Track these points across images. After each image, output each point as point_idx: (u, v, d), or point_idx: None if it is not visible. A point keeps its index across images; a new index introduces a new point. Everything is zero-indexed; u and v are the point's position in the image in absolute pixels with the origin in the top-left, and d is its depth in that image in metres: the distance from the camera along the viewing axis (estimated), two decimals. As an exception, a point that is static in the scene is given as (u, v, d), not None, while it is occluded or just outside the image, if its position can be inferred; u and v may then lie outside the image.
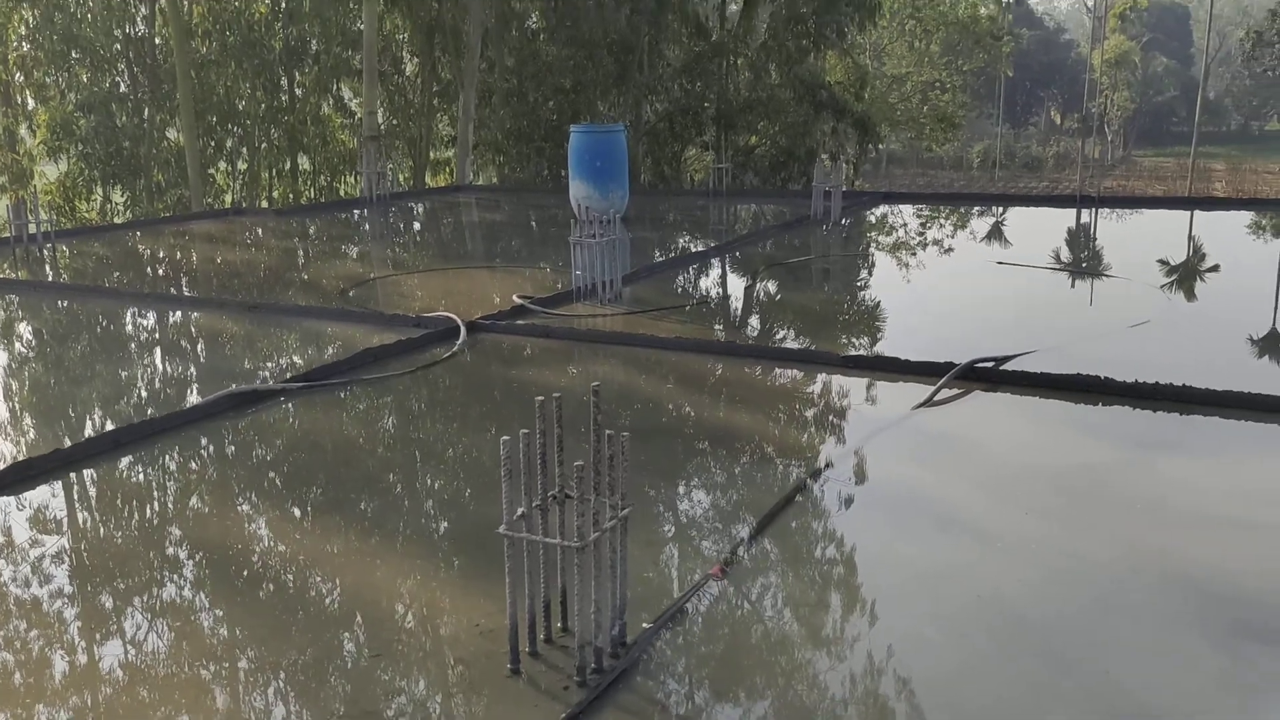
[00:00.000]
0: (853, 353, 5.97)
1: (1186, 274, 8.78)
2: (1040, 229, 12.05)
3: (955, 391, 5.18)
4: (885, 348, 6.47)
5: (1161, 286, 7.93)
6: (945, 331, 6.91)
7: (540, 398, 2.77)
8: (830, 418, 5.12)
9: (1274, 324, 6.90)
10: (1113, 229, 11.95)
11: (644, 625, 2.92)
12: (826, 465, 4.22)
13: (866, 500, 3.94)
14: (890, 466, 4.31)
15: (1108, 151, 70.31)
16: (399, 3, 21.08)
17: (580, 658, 2.70)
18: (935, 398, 5.07)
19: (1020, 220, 12.68)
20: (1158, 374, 4.98)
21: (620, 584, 2.82)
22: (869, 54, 36.81)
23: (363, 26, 18.66)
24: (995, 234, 11.70)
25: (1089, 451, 4.46)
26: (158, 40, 20.41)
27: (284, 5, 20.82)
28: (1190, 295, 7.97)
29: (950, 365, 5.32)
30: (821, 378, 5.60)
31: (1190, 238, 11.18)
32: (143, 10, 20.50)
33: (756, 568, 3.36)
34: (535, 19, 22.33)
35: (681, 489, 4.11)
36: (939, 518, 3.79)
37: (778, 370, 5.81)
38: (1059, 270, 8.85)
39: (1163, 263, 9.08)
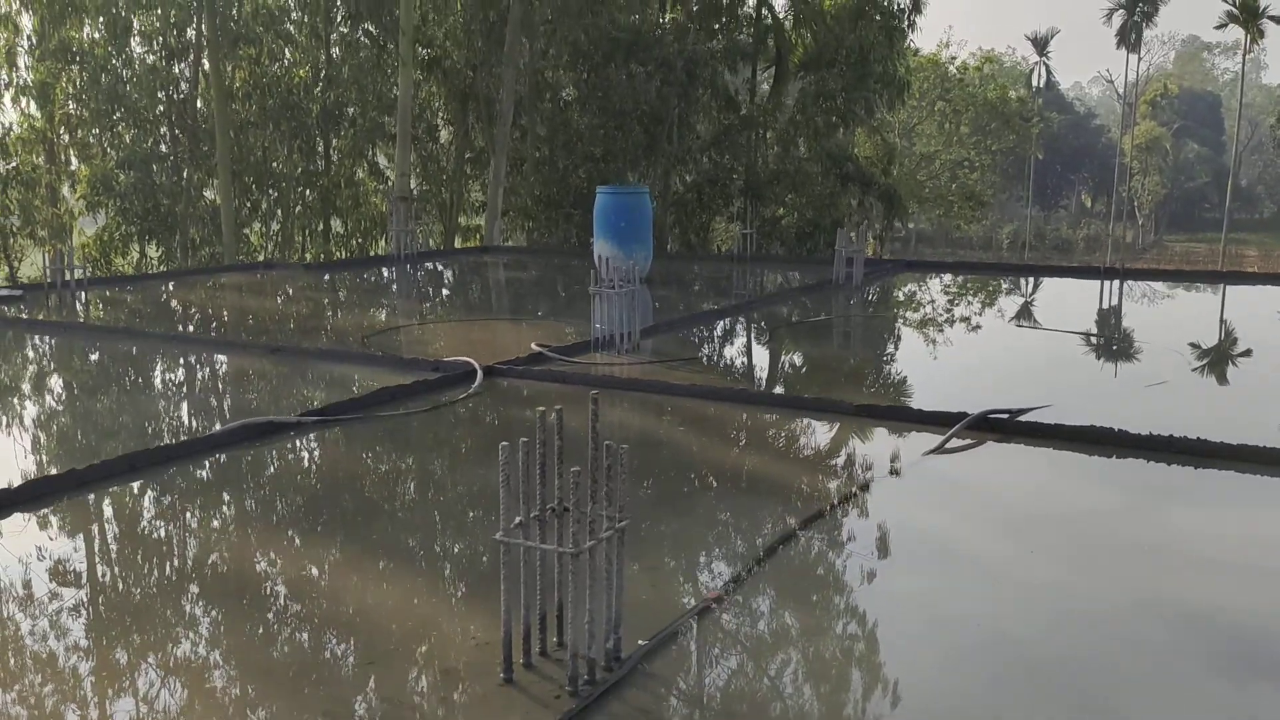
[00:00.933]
0: (866, 403, 5.96)
1: (1204, 342, 8.73)
2: (1066, 300, 12.04)
3: (968, 441, 5.16)
4: (900, 399, 6.47)
5: (1179, 351, 7.89)
6: (961, 388, 6.90)
7: (541, 408, 2.79)
8: (840, 462, 5.10)
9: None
10: (1137, 301, 11.92)
11: (641, 642, 2.90)
12: (832, 505, 4.20)
13: (870, 538, 3.91)
14: (897, 508, 4.28)
15: (1138, 235, 70.38)
16: (434, 71, 21.61)
17: (572, 667, 2.69)
18: (947, 446, 5.05)
19: (1045, 291, 12.67)
20: (1173, 430, 4.94)
21: (615, 596, 2.81)
22: (898, 132, 37.24)
23: (398, 93, 19.10)
24: (1017, 301, 11.71)
25: (1099, 499, 4.42)
26: (199, 102, 20.98)
27: (323, 71, 21.37)
28: (1209, 361, 7.92)
29: (963, 415, 5.30)
30: (834, 425, 5.59)
31: (1217, 311, 11.13)
32: (185, 73, 21.12)
33: (757, 597, 3.34)
34: (568, 90, 22.80)
35: (687, 521, 4.10)
36: (943, 557, 3.76)
37: (791, 417, 5.81)
38: (1077, 334, 8.82)
39: (1182, 333, 9.05)
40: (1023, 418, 5.41)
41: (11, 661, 2.90)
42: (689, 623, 3.06)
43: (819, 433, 5.56)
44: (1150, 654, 2.92)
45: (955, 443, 5.11)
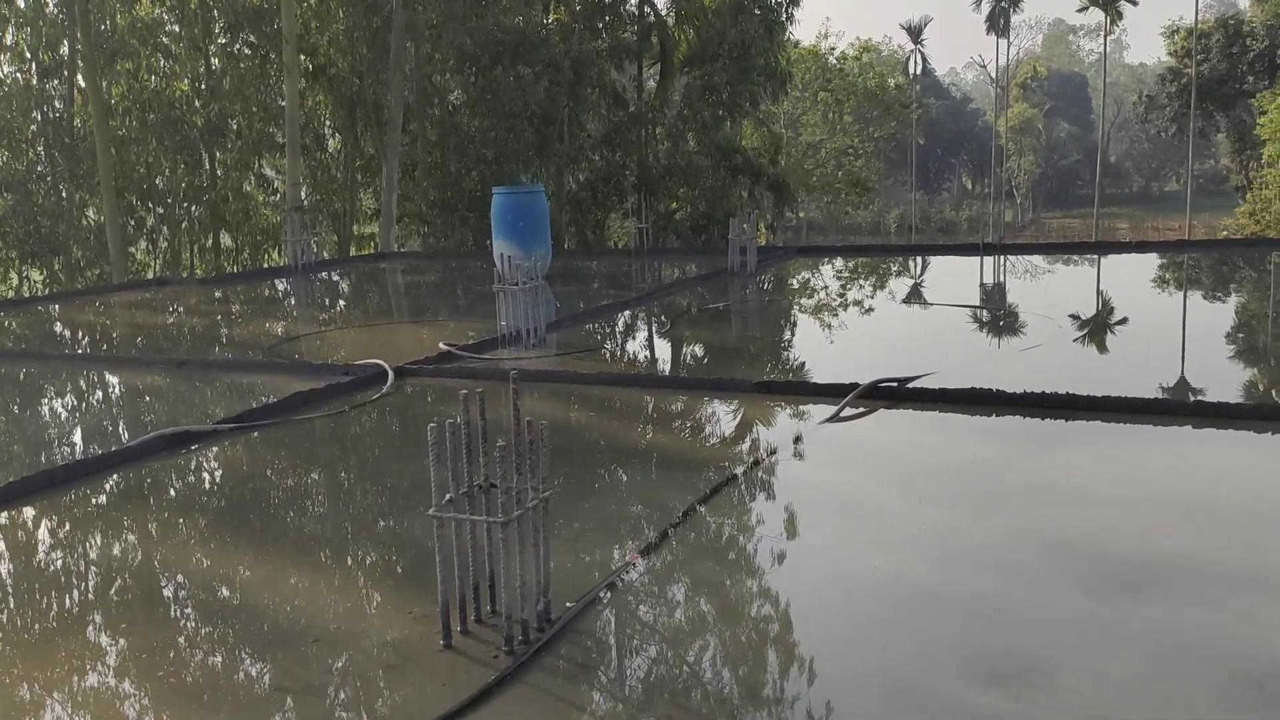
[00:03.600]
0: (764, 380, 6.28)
1: (1076, 308, 9.32)
2: (947, 276, 12.61)
3: (861, 410, 5.50)
4: (798, 374, 6.81)
5: (1049, 316, 8.42)
6: (854, 363, 7.29)
7: (464, 391, 3.00)
8: (743, 435, 5.40)
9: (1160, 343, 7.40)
10: (1015, 275, 12.57)
11: (568, 604, 3.13)
12: (737, 473, 4.48)
13: (775, 498, 4.22)
14: (798, 473, 4.59)
15: (1018, 214, 72.95)
16: (320, 79, 21.42)
17: (507, 629, 2.91)
18: (842, 415, 5.39)
19: (930, 269, 13.25)
20: (1046, 388, 5.37)
21: (544, 562, 3.04)
22: (783, 123, 38.03)
23: (285, 102, 18.92)
24: (904, 280, 12.24)
25: (981, 452, 4.81)
26: (76, 121, 20.43)
27: (204, 84, 21.01)
28: (1080, 325, 8.47)
29: (855, 385, 5.65)
30: (735, 402, 5.90)
31: (1087, 280, 11.81)
32: (60, 90, 20.54)
33: (672, 558, 3.60)
34: (457, 93, 22.82)
35: (604, 497, 4.34)
36: (843, 511, 4.08)
37: (694, 398, 6.09)
38: (958, 307, 9.32)
39: (1055, 301, 9.63)
40: (911, 385, 5.79)
41: (-39, 667, 3.00)
42: (613, 582, 3.30)
43: (722, 410, 5.85)
44: (1027, 578, 3.27)
45: (849, 411, 5.46)
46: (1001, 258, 13.62)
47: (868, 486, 4.34)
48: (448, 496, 2.99)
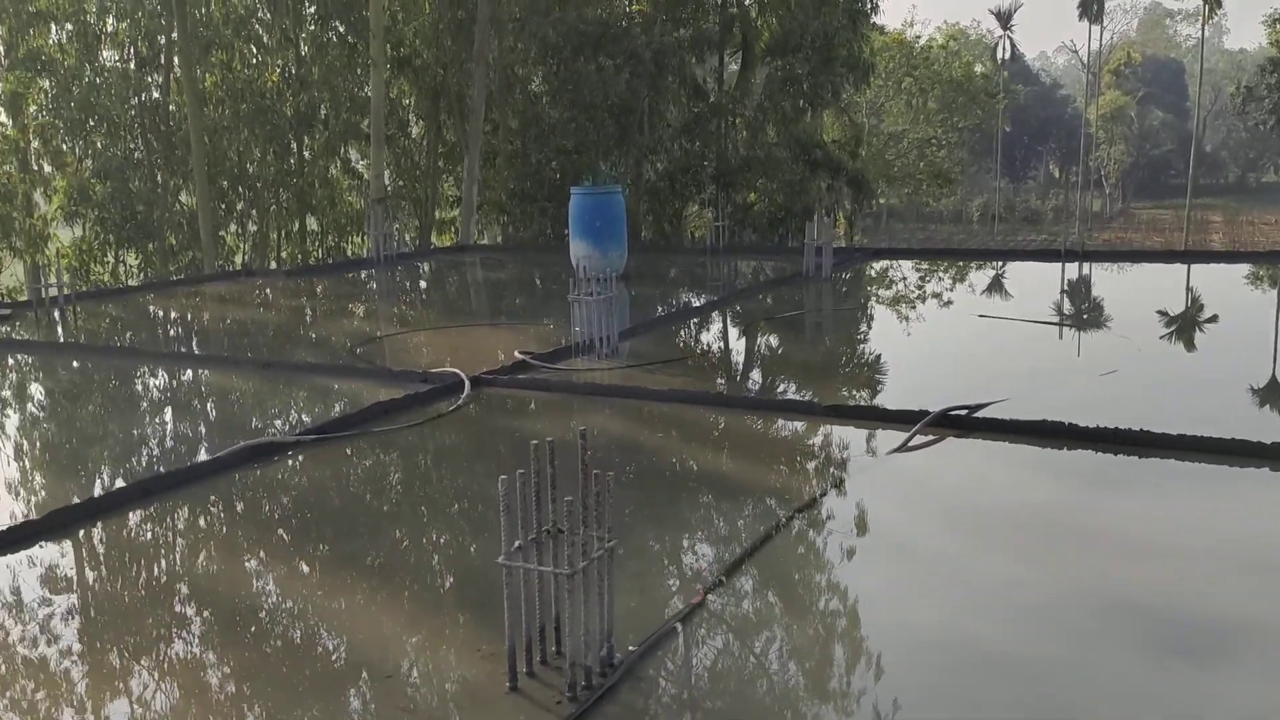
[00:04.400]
0: (835, 402, 6.30)
1: (1158, 326, 9.14)
2: (1026, 283, 12.43)
3: (930, 438, 5.51)
4: (868, 395, 6.83)
5: (1130, 337, 8.28)
6: (926, 381, 7.26)
7: (535, 442, 3.11)
8: (810, 463, 5.45)
9: (1246, 371, 7.24)
10: (1097, 282, 12.34)
11: (630, 648, 3.23)
12: (803, 506, 4.53)
13: (839, 537, 4.26)
14: (863, 507, 4.63)
15: (1106, 204, 71.15)
16: (405, 69, 21.76)
17: (571, 675, 3.02)
18: (910, 444, 5.40)
19: (1008, 274, 13.07)
20: (1123, 419, 5.32)
21: (607, 609, 3.14)
22: (865, 112, 37.58)
23: (370, 93, 19.29)
24: (980, 289, 12.10)
25: (1049, 490, 4.79)
26: (172, 107, 21.06)
27: (294, 72, 21.50)
28: (1161, 346, 8.31)
29: (925, 413, 5.65)
30: (804, 426, 5.93)
31: (1171, 294, 11.55)
32: (158, 79, 21.20)
33: (736, 596, 3.68)
34: (538, 82, 23.00)
35: (668, 526, 4.43)
36: (904, 552, 4.11)
37: (762, 419, 6.14)
38: (1036, 323, 9.20)
39: (1136, 318, 9.46)
40: (981, 413, 5.77)
41: (53, 694, 3.20)
42: (674, 626, 3.39)
43: (790, 434, 5.90)
44: (1087, 640, 3.28)
45: (918, 440, 5.47)
46: (1082, 265, 13.37)
47: (931, 527, 4.36)
48: (516, 544, 3.10)
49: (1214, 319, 9.78)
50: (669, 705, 2.98)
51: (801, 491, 4.85)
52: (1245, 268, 13.15)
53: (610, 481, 3.07)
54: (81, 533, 4.50)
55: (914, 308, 10.88)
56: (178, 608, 3.79)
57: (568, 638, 3.04)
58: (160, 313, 11.75)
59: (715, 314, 10.12)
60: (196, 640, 3.52)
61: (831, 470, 5.25)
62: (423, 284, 14.21)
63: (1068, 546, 4.05)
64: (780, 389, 7.25)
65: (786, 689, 3.09)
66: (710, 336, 9.29)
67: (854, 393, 7.08)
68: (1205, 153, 75.24)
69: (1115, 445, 5.24)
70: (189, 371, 8.17)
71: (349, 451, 5.66)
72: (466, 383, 6.77)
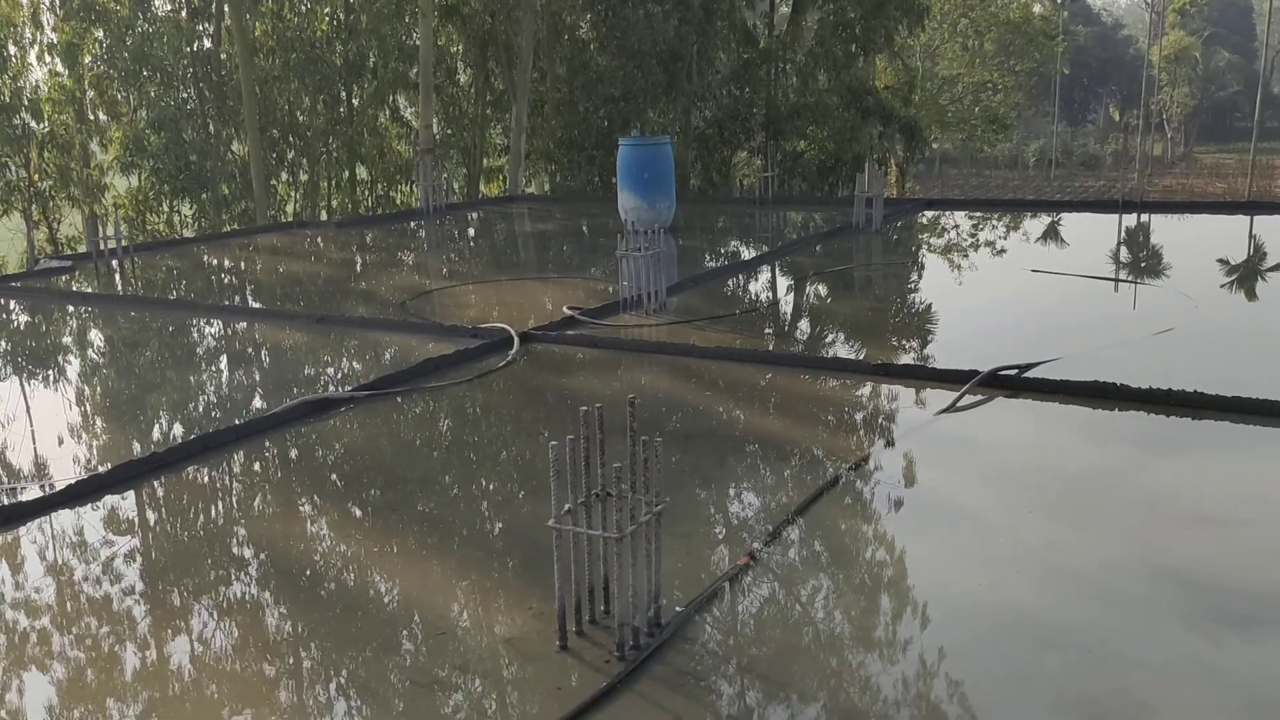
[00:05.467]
0: (884, 360, 6.28)
1: (1217, 281, 8.96)
2: (1081, 234, 12.22)
3: (979, 398, 5.49)
4: (917, 352, 6.79)
5: (1188, 293, 8.13)
6: (976, 338, 7.21)
7: (584, 408, 3.15)
8: (858, 423, 5.45)
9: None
10: (1155, 234, 12.10)
11: (678, 609, 3.29)
12: (851, 466, 4.55)
13: (885, 498, 4.28)
14: (911, 468, 4.64)
15: (1168, 148, 69.34)
16: (453, 17, 21.67)
17: (620, 636, 3.09)
18: (958, 404, 5.38)
19: (1062, 226, 12.85)
20: (1177, 380, 5.25)
21: (655, 571, 3.20)
22: (919, 55, 36.80)
23: (418, 41, 19.25)
24: (1034, 240, 11.91)
25: (1099, 455, 4.76)
26: (223, 57, 21.17)
27: (343, 21, 21.48)
28: (1220, 302, 8.15)
29: (974, 373, 5.62)
30: (851, 384, 5.93)
31: (1232, 246, 11.30)
32: (209, 29, 21.30)
33: (782, 557, 3.72)
34: (585, 30, 22.80)
35: (715, 487, 4.47)
36: (951, 514, 4.12)
37: (810, 377, 6.14)
38: (1089, 278, 9.06)
39: (1195, 272, 9.28)
40: (1031, 373, 5.73)
41: (120, 635, 3.33)
42: (721, 587, 3.44)
43: (838, 393, 5.90)
44: (1134, 608, 3.28)
45: (967, 400, 5.45)
46: (1140, 215, 13.10)
47: (979, 490, 4.37)
48: (566, 507, 3.16)
49: (1274, 272, 9.57)
50: (716, 665, 3.03)
51: (848, 451, 4.86)
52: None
53: (658, 447, 3.11)
54: (146, 486, 4.64)
55: (965, 261, 10.75)
56: (237, 555, 3.91)
57: (616, 599, 3.10)
58: (215, 263, 11.93)
59: (764, 267, 10.08)
60: (254, 586, 3.65)
61: (879, 430, 5.25)
62: (471, 234, 14.27)
63: (1116, 511, 4.04)
64: (828, 346, 7.24)
65: (831, 648, 3.14)
66: (758, 291, 9.26)
67: (903, 348, 7.05)
68: (1273, 94, 72.79)
69: (1169, 407, 5.18)
70: (244, 324, 8.32)
71: (403, 405, 5.76)
72: (515, 338, 6.84)
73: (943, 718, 2.75)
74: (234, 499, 4.59)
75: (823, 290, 9.08)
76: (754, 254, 11.16)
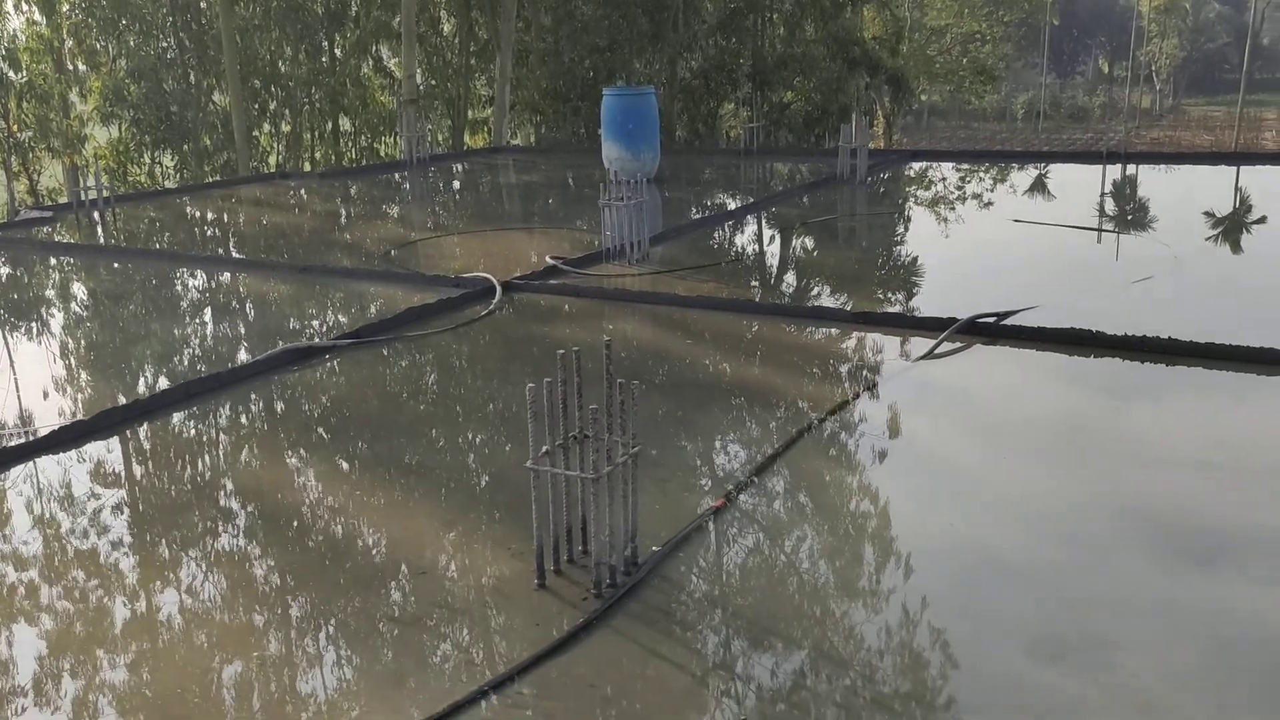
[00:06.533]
0: (865, 308, 6.32)
1: (1198, 232, 9.01)
2: (1066, 186, 12.23)
3: (958, 345, 5.54)
4: (899, 301, 6.84)
5: (1168, 244, 8.18)
6: (957, 286, 7.25)
7: (561, 351, 3.19)
8: (836, 369, 5.50)
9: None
10: (1139, 185, 12.13)
11: (653, 549, 3.35)
12: (828, 412, 4.61)
13: (861, 443, 4.34)
14: (888, 413, 4.69)
15: (1156, 100, 69.10)
16: (436, -36, 21.40)
17: (596, 574, 3.15)
18: (937, 350, 5.44)
19: (1049, 177, 12.85)
20: (1153, 328, 5.31)
21: (632, 511, 3.25)
22: (907, 5, 36.50)
23: (401, -10, 19.01)
24: (1020, 192, 11.93)
25: (1073, 400, 4.83)
26: (203, 4, 20.89)
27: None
28: (1200, 252, 8.20)
29: (953, 320, 5.67)
30: (832, 332, 5.98)
31: (1216, 198, 11.34)
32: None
33: (758, 500, 3.78)
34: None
35: (693, 433, 4.53)
36: (926, 459, 4.19)
37: (791, 325, 6.18)
38: (1072, 228, 9.10)
39: (1176, 223, 9.33)
40: (1009, 320, 5.78)
41: (106, 583, 3.38)
42: (697, 528, 3.50)
43: (818, 340, 5.94)
44: (1103, 548, 3.36)
45: (946, 346, 5.50)
46: (1125, 167, 13.12)
47: (955, 435, 4.43)
48: (544, 449, 3.20)
49: (1258, 224, 9.62)
50: (690, 603, 3.10)
51: (827, 397, 4.91)
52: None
53: (635, 390, 3.15)
54: (129, 432, 4.67)
55: (949, 212, 10.77)
56: (222, 503, 3.95)
57: (593, 539, 3.16)
58: (197, 214, 11.87)
59: (748, 218, 10.09)
60: (241, 534, 3.69)
61: (858, 376, 5.30)
62: (456, 186, 14.21)
63: (1090, 455, 4.11)
64: (810, 295, 7.27)
65: (803, 587, 3.20)
66: (742, 241, 9.28)
67: (886, 297, 7.09)
68: (1262, 46, 72.57)
69: (1143, 354, 5.25)
70: (227, 274, 8.30)
71: (386, 354, 5.78)
72: (498, 287, 6.85)
73: (911, 652, 2.82)
74: (218, 446, 4.63)
75: (806, 240, 9.10)
76: (738, 205, 11.15)
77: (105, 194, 10.96)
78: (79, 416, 4.80)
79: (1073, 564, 3.25)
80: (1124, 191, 11.68)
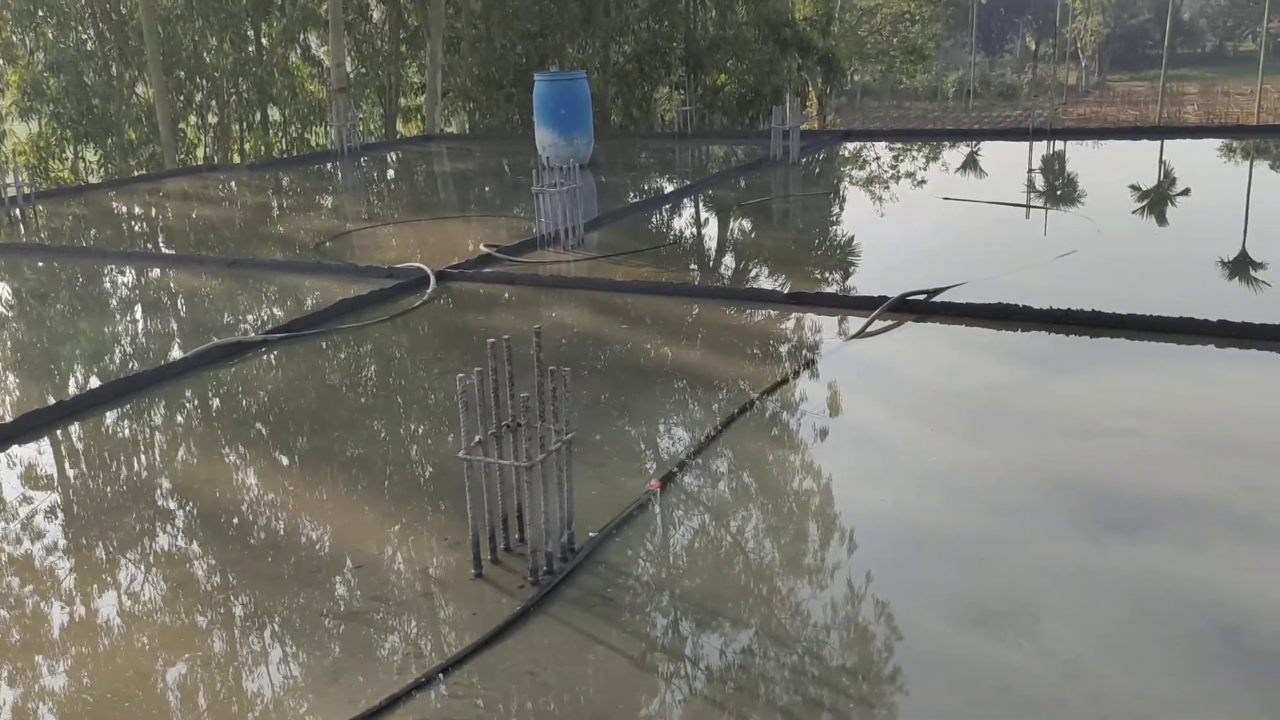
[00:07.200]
0: (800, 289, 6.39)
1: (1122, 205, 9.22)
2: (996, 163, 12.43)
3: (889, 323, 5.62)
4: (832, 281, 6.92)
5: (1092, 218, 8.36)
6: (890, 265, 7.35)
7: (491, 340, 3.18)
8: (770, 350, 5.55)
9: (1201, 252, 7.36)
10: (1066, 161, 12.36)
11: (591, 534, 3.37)
12: (762, 393, 4.65)
13: (796, 422, 4.39)
14: (820, 393, 4.75)
15: (1082, 77, 70.31)
16: (363, -50, 21.11)
17: (533, 561, 3.16)
18: (870, 329, 5.51)
19: (979, 155, 13.05)
20: (1078, 301, 5.44)
21: (568, 498, 3.26)
22: (839, -14, 36.71)
23: (327, -23, 18.72)
24: (950, 168, 12.10)
25: (1001, 373, 4.93)
26: (123, -6, 20.41)
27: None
28: (1123, 225, 8.40)
29: (884, 299, 5.75)
30: (766, 314, 6.03)
31: (1139, 172, 11.60)
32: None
33: (694, 482, 3.81)
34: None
35: (630, 417, 4.55)
36: (858, 435, 4.26)
37: (725, 307, 6.22)
38: (1000, 204, 9.25)
39: (1100, 198, 9.53)
40: (939, 297, 5.88)
41: (41, 589, 3.32)
42: (634, 512, 3.53)
43: (752, 322, 5.99)
44: (1028, 517, 3.44)
45: (877, 324, 5.58)
46: (1052, 143, 13.36)
47: (885, 413, 4.50)
48: (476, 439, 3.20)
49: (1181, 196, 9.87)
50: (628, 586, 3.12)
51: (763, 378, 4.95)
52: (1217, 143, 13.18)
53: (566, 377, 3.15)
54: (58, 433, 4.58)
55: (882, 191, 10.89)
56: (159, 502, 3.89)
57: (529, 527, 3.17)
58: (124, 210, 11.62)
59: (683, 201, 10.12)
60: (180, 533, 3.64)
61: (791, 357, 5.35)
62: (389, 175, 14.06)
63: (1017, 427, 4.20)
64: (745, 277, 7.32)
65: (739, 565, 3.24)
66: (677, 225, 9.30)
67: (822, 277, 7.16)
68: (1182, 21, 74.21)
69: (1068, 326, 5.37)
70: (156, 270, 8.15)
71: (324, 346, 5.73)
72: (432, 277, 6.81)
73: (842, 622, 2.87)
74: (153, 445, 4.55)
75: (742, 223, 9.15)
76: (674, 188, 11.18)
77: (26, 191, 10.67)
78: (4, 419, 4.69)
79: (1000, 534, 3.33)
80: (1052, 167, 11.90)
